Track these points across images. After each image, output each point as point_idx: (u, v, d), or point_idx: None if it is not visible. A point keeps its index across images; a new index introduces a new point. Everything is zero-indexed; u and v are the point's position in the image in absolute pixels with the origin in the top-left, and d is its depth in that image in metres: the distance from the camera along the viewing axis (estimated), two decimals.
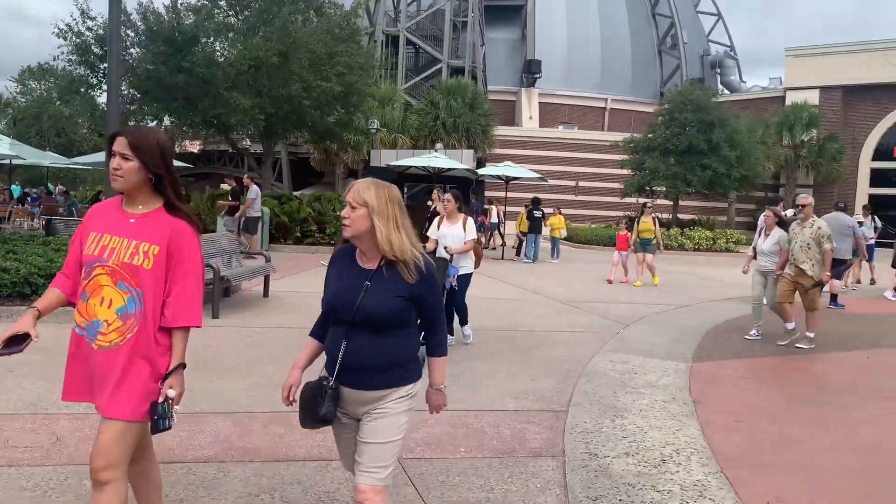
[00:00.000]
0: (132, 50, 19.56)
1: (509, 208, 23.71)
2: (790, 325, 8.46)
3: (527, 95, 41.24)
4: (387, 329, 2.59)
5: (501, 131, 35.10)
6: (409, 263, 2.60)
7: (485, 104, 32.67)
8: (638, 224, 14.67)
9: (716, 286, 15.57)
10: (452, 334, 7.66)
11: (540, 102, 41.63)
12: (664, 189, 27.90)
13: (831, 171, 35.08)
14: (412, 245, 2.63)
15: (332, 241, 17.87)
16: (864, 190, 36.91)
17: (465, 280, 7.64)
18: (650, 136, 28.32)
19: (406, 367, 2.69)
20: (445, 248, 7.39)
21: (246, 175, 15.27)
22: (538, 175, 21.51)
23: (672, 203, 29.14)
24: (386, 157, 19.75)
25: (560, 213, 21.35)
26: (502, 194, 28.56)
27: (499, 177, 20.38)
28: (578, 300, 11.86)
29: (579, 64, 43.33)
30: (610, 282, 14.64)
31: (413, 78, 38.03)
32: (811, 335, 8.34)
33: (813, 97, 36.64)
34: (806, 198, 8.57)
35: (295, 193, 21.91)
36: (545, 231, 21.41)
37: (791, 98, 36.95)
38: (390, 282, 2.59)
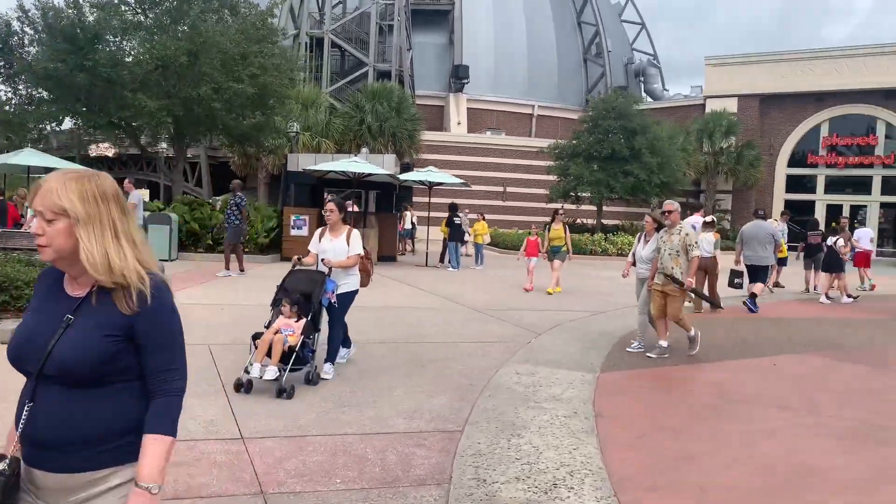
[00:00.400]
0: (30, 48, 18.39)
1: (435, 214, 23.39)
2: (664, 343, 8.02)
3: (455, 101, 41.13)
4: (92, 383, 1.81)
5: (429, 136, 34.83)
6: (129, 288, 1.82)
7: (411, 108, 32.33)
8: (548, 231, 14.21)
9: (634, 291, 15.59)
10: (348, 346, 7.22)
11: (468, 108, 41.58)
12: (588, 195, 28.12)
13: (749, 177, 36.11)
14: (139, 261, 1.86)
15: (248, 249, 17.15)
16: (780, 195, 38.17)
17: (346, 299, 6.73)
18: (574, 142, 28.51)
19: (127, 439, 1.85)
20: (323, 260, 6.58)
21: (127, 179, 14.27)
22: (461, 181, 21.22)
23: (597, 209, 29.40)
24: (305, 162, 19.10)
25: (484, 219, 21.13)
26: (430, 200, 28.25)
27: (423, 182, 20.01)
28: (495, 308, 11.58)
29: (507, 70, 43.52)
30: (528, 290, 14.25)
31: (338, 81, 37.40)
32: (664, 344, 8.03)
33: (731, 105, 37.68)
34: (671, 204, 8.22)
35: (218, 199, 21.02)
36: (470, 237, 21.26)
37: (711, 106, 37.91)
38: (100, 315, 1.82)
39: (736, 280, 14.71)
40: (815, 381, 7.20)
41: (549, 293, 13.84)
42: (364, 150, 27.21)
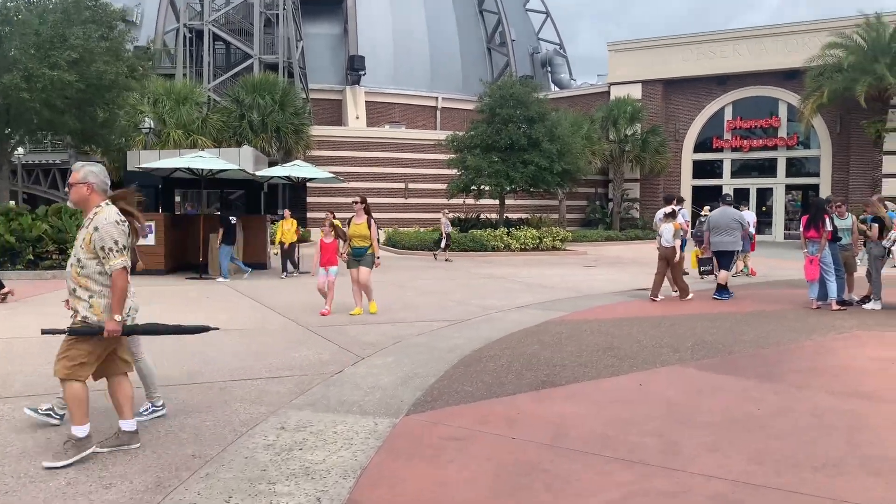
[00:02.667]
0: None
1: (315, 215, 21.29)
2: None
3: (352, 94, 38.90)
4: None
5: (322, 131, 32.56)
6: None
7: (297, 101, 29.99)
8: (349, 227, 10.45)
9: (517, 290, 13.89)
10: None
11: (367, 101, 39.43)
12: (489, 188, 26.47)
13: (655, 164, 35.28)
14: None
15: None
16: (688, 181, 37.55)
17: None
18: (472, 133, 26.83)
19: None
20: None
21: None
22: (332, 175, 19.14)
23: (499, 202, 27.79)
24: (147, 159, 16.64)
25: (289, 217, 17.76)
26: (325, 200, 26.32)
27: (289, 178, 17.82)
28: (333, 323, 9.59)
29: (407, 62, 41.59)
30: (324, 314, 10.18)
31: (222, 76, 34.68)
32: None
33: (636, 91, 36.83)
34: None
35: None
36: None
37: (615, 93, 36.98)
38: None
39: (703, 269, 14.56)
40: (685, 409, 5.48)
41: (355, 315, 10.15)
42: (246, 147, 24.78)
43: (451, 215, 24.06)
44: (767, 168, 36.35)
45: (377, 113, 39.78)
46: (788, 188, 36.24)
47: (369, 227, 10.21)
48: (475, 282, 15.72)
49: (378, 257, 10.39)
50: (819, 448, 4.54)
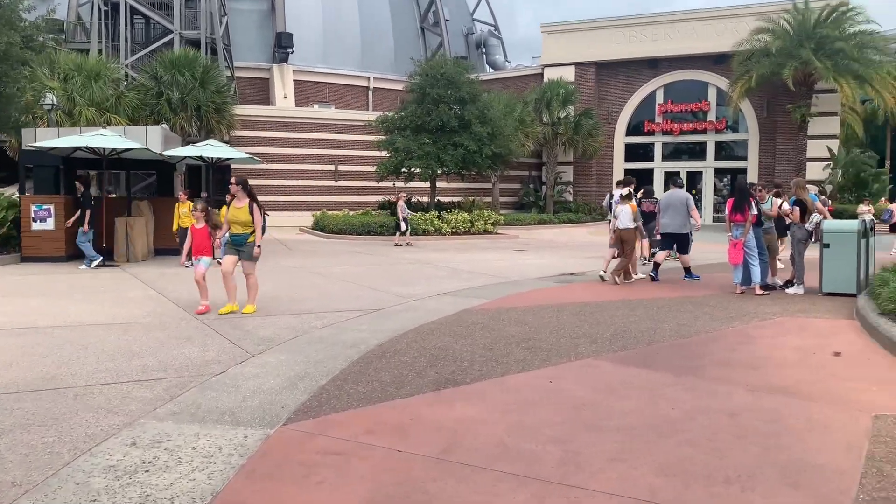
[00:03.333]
0: None
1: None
2: None
3: (280, 72, 37.51)
4: None
5: (247, 111, 31.23)
6: None
7: (220, 79, 28.64)
8: (228, 210, 9.21)
9: (443, 276, 13.35)
10: None
11: (297, 81, 38.09)
12: (419, 171, 25.79)
13: (588, 147, 35.18)
14: None
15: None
16: (620, 164, 37.67)
17: None
18: (402, 114, 26.08)
19: None
20: None
21: None
22: (249, 156, 18.19)
23: (430, 185, 27.18)
24: (44, 137, 15.39)
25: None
26: (253, 182, 25.22)
27: (202, 158, 16.78)
28: (231, 316, 8.84)
29: (338, 40, 40.39)
30: (201, 312, 8.88)
31: (140, 51, 32.92)
32: None
33: (569, 74, 36.63)
34: None
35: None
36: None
37: (549, 75, 36.68)
38: None
39: (652, 250, 14.66)
40: (595, 410, 5.01)
41: (225, 313, 8.84)
42: (163, 125, 23.46)
43: (406, 198, 23.37)
44: (698, 152, 36.74)
45: (306, 92, 38.54)
46: (717, 172, 36.73)
47: (251, 213, 8.85)
48: (400, 267, 15.12)
49: (259, 246, 9.05)
50: (734, 455, 4.11)
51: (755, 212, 10.64)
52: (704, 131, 36.12)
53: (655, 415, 4.86)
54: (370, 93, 40.49)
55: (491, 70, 46.20)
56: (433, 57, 38.05)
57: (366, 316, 8.92)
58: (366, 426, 4.66)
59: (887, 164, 36.44)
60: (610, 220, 13.16)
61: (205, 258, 9.23)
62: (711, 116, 35.85)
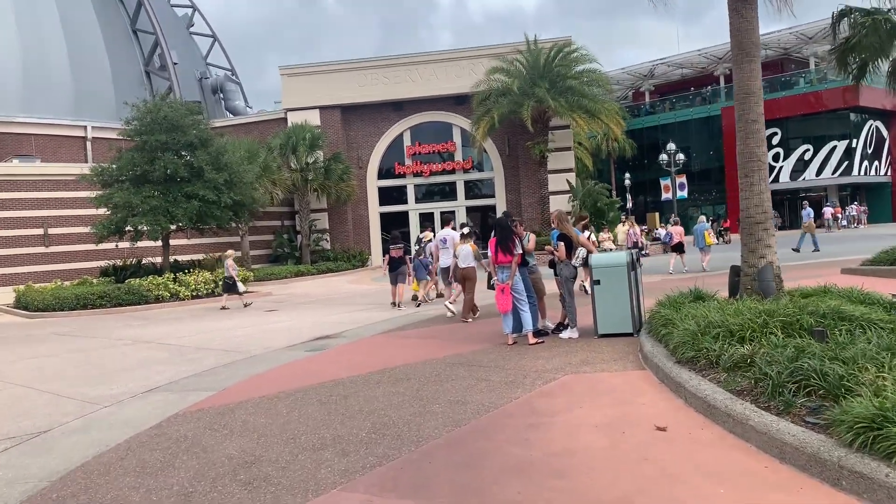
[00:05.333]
0: None
1: None
2: None
3: None
4: None
5: None
6: None
7: None
8: None
9: (161, 360, 10.54)
10: None
11: None
12: (147, 228, 22.16)
13: (341, 192, 33.68)
14: None
15: None
16: (375, 209, 36.64)
17: None
18: (115, 165, 22.46)
19: None
20: None
21: None
22: None
23: (162, 244, 23.62)
24: None
25: None
26: None
27: None
28: None
29: (43, 86, 35.01)
30: None
31: None
32: None
33: (314, 117, 34.99)
34: None
35: None
36: None
37: (292, 119, 34.73)
38: None
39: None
40: None
41: None
42: None
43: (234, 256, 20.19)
44: (449, 192, 36.88)
45: (5, 145, 32.66)
46: (469, 210, 37.11)
47: None
48: (112, 352, 11.98)
49: None
50: None
51: (520, 251, 9.44)
52: (453, 171, 36.36)
53: None
54: (88, 143, 35.44)
55: (231, 116, 43.17)
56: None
57: (16, 448, 6.09)
58: None
59: (614, 193, 39.50)
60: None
61: None
62: (458, 156, 36.21)
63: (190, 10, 46.90)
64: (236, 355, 10.68)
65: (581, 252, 9.51)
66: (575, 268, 9.61)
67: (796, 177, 50.04)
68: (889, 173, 52.75)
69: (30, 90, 34.76)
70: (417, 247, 17.50)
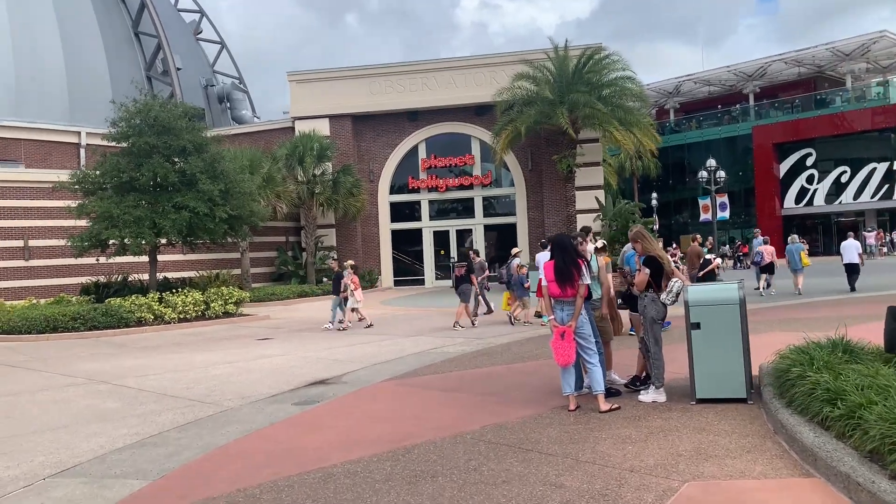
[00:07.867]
0: None
1: None
2: None
3: None
4: None
5: None
6: None
7: None
8: None
9: (110, 411, 7.95)
10: None
11: None
12: (130, 242, 19.66)
13: (350, 207, 31.19)
14: None
15: None
16: (386, 226, 34.13)
17: None
18: (97, 171, 20.09)
19: None
20: None
21: None
22: None
23: (149, 259, 21.15)
24: None
25: None
26: None
27: None
28: None
29: (35, 88, 32.88)
30: None
31: None
32: None
33: (323, 127, 32.62)
34: None
35: None
36: None
37: (300, 128, 32.38)
38: None
39: None
40: None
41: None
42: None
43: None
44: (465, 209, 34.32)
45: None
46: (487, 228, 34.53)
47: None
48: (46, 396, 9.42)
49: None
50: None
51: (587, 281, 6.81)
52: (471, 186, 33.77)
53: None
54: (82, 150, 33.18)
55: (236, 124, 40.93)
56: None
57: None
58: None
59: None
60: None
61: None
62: (477, 171, 33.64)
63: (198, 16, 44.89)
64: (203, 408, 8.12)
65: (675, 285, 6.82)
66: (665, 306, 6.93)
67: (831, 200, 47.20)
68: None
69: (22, 94, 32.63)
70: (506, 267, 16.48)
